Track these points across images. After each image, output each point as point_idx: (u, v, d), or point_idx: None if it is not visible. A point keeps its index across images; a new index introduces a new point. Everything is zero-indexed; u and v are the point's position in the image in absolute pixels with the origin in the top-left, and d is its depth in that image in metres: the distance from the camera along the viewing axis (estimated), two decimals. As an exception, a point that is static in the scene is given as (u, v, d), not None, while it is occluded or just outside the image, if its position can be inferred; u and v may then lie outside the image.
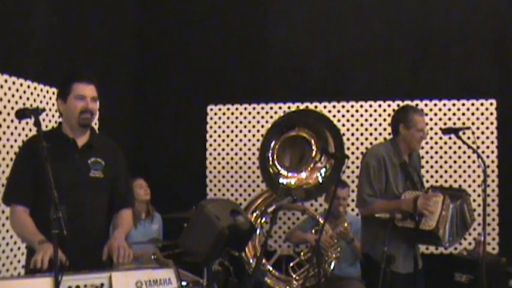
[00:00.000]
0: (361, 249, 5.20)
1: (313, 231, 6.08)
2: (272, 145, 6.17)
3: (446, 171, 6.73)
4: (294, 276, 6.09)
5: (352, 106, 6.93)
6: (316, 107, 6.92)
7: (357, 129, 6.91)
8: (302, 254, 6.14)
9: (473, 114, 6.74)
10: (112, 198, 3.91)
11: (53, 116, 5.52)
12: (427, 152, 6.76)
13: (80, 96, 3.70)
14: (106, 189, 3.86)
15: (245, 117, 7.10)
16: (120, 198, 3.95)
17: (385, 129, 6.73)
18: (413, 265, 4.79)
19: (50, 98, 5.53)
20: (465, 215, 4.80)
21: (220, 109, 7.14)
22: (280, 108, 7.04)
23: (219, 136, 7.11)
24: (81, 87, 3.72)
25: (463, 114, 6.76)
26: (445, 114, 6.78)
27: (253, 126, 7.07)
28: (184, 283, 4.90)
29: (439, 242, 4.69)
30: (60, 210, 2.85)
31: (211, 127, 7.13)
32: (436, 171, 6.73)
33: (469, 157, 6.71)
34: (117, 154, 3.98)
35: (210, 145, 7.12)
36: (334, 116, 6.86)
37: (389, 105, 6.79)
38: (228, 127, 7.10)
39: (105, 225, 3.88)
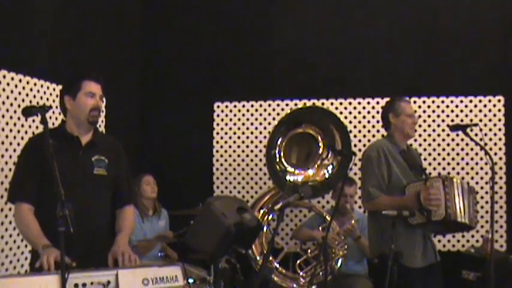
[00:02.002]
0: (371, 247, 5.10)
1: (320, 228, 6.07)
2: (279, 142, 6.16)
3: (453, 168, 6.71)
4: (301, 273, 6.08)
5: (359, 103, 6.92)
6: (323, 104, 6.91)
7: (364, 126, 6.89)
8: (309, 251, 6.13)
9: (480, 111, 6.72)
10: (115, 195, 3.92)
11: (59, 113, 5.51)
12: (434, 149, 6.75)
13: (90, 93, 3.76)
14: (109, 186, 3.88)
15: (252, 114, 7.09)
16: (123, 196, 3.97)
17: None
18: (434, 255, 4.81)
19: (57, 96, 5.53)
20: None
21: (227, 106, 7.13)
22: (287, 105, 7.03)
23: (226, 133, 7.11)
24: (91, 84, 3.77)
25: (471, 111, 6.74)
26: (452, 111, 6.76)
27: (260, 124, 7.07)
28: (191, 280, 4.90)
29: (459, 224, 4.63)
30: (67, 208, 2.86)
31: (218, 124, 7.13)
32: (444, 168, 6.71)
33: (476, 154, 6.69)
34: (119, 151, 4.00)
35: (217, 142, 7.12)
36: (341, 113, 6.85)
37: (396, 102, 6.76)
38: (234, 124, 7.10)
39: (109, 222, 3.89)
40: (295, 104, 6.98)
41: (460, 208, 4.56)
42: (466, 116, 6.73)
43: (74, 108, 3.78)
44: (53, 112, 5.43)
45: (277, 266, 6.23)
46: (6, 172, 4.93)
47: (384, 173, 4.74)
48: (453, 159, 6.74)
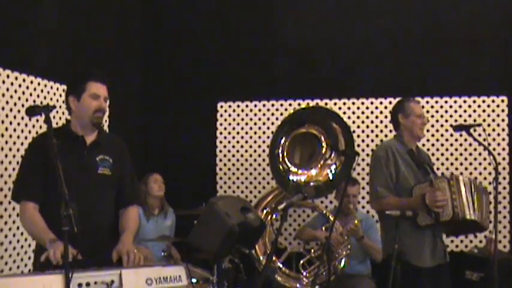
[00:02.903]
0: (383, 248, 5.08)
1: (323, 228, 6.06)
2: (282, 142, 6.16)
3: (457, 169, 6.70)
4: (304, 273, 6.08)
5: (362, 103, 6.91)
6: (326, 103, 6.91)
7: (367, 126, 6.89)
8: (312, 251, 6.12)
9: (484, 111, 6.71)
10: (119, 196, 3.92)
11: (63, 113, 5.53)
12: (437, 149, 6.74)
13: (95, 95, 3.73)
14: (113, 186, 3.88)
15: (255, 114, 7.09)
16: (127, 196, 3.96)
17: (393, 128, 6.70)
18: (443, 256, 4.79)
19: (60, 95, 5.54)
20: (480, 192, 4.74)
21: (230, 106, 7.13)
22: (290, 105, 7.03)
23: (229, 133, 7.11)
24: (96, 86, 3.75)
25: (474, 111, 6.73)
26: (455, 111, 6.75)
27: (263, 123, 7.07)
28: (194, 280, 4.90)
29: (468, 222, 4.60)
30: (71, 207, 2.86)
31: (221, 124, 7.13)
32: (447, 169, 6.70)
33: (480, 154, 6.68)
34: (124, 151, 3.99)
35: (220, 142, 7.12)
36: (344, 112, 6.84)
37: (399, 102, 6.75)
38: (238, 124, 7.10)
39: (113, 222, 3.88)
40: (299, 104, 6.98)
41: (468, 206, 4.54)
42: (470, 116, 6.72)
43: (78, 109, 3.76)
44: (57, 112, 5.44)
45: (281, 266, 6.23)
46: (10, 171, 4.93)
47: (392, 172, 4.74)
48: (456, 159, 6.73)
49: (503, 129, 6.67)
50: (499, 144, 6.65)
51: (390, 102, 6.79)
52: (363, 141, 6.87)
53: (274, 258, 6.18)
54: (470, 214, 4.54)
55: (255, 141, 7.07)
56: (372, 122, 6.89)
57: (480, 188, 4.76)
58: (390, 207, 4.56)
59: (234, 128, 7.11)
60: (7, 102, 4.95)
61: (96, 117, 3.74)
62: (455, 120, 6.71)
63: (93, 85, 3.74)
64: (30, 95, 5.22)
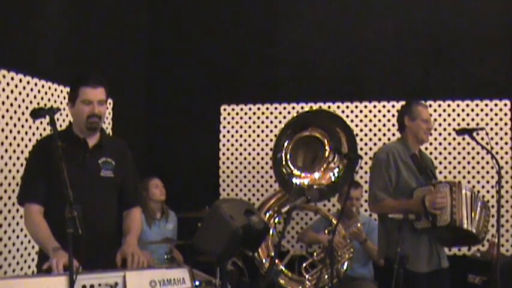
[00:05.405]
0: (378, 250, 5.12)
1: (326, 231, 6.07)
2: (285, 145, 6.16)
3: (459, 172, 6.71)
4: (306, 276, 6.08)
5: (366, 106, 6.92)
6: (329, 107, 6.91)
7: (370, 130, 6.89)
8: (315, 254, 6.13)
9: (487, 115, 6.71)
10: (122, 197, 3.93)
11: (67, 115, 5.53)
12: (440, 153, 6.74)
13: (86, 101, 3.67)
14: (116, 188, 3.88)
15: (258, 117, 7.10)
16: (130, 197, 3.97)
17: (398, 130, 6.70)
18: (438, 261, 4.77)
19: (64, 98, 5.55)
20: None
21: (233, 109, 7.14)
22: (293, 108, 7.04)
23: (232, 136, 7.12)
24: (87, 91, 3.67)
25: (477, 115, 6.73)
26: (458, 115, 6.75)
27: (267, 126, 7.07)
28: (197, 283, 4.90)
29: (465, 232, 4.59)
30: (75, 210, 2.86)
31: (224, 127, 7.14)
32: (450, 172, 6.70)
33: (482, 158, 6.68)
34: (126, 153, 4.00)
35: (223, 145, 7.13)
36: (347, 116, 6.84)
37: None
38: (241, 127, 7.11)
39: (116, 224, 3.89)
40: (302, 107, 6.99)
41: (466, 215, 4.53)
42: (473, 119, 6.73)
43: (74, 115, 3.76)
44: (61, 114, 5.44)
45: (283, 268, 6.23)
46: (13, 173, 4.94)
47: (392, 176, 4.73)
48: (459, 163, 6.73)
49: (506, 133, 6.67)
50: (501, 148, 6.65)
51: (393, 106, 6.80)
52: (365, 144, 6.87)
53: (276, 261, 6.18)
54: (467, 224, 4.53)
55: (258, 144, 7.08)
56: (375, 125, 6.89)
57: (482, 201, 4.74)
58: (389, 210, 4.57)
59: (237, 131, 7.12)
60: (11, 105, 4.96)
61: (90, 123, 3.70)
62: (458, 124, 6.71)
63: (84, 90, 3.67)
64: (35, 97, 5.23)
